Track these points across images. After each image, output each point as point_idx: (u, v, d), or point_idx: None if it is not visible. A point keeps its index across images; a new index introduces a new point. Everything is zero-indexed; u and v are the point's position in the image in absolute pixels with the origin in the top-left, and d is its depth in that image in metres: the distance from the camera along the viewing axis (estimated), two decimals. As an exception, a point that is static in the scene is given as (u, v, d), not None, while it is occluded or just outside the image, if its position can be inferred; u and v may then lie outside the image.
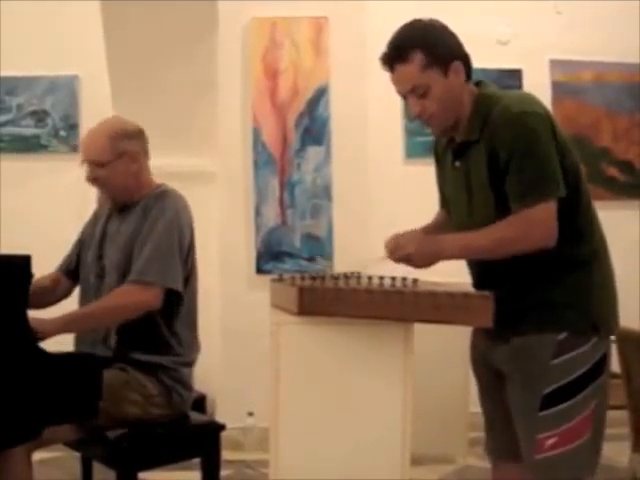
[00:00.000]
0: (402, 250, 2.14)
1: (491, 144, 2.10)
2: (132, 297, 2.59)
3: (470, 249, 2.14)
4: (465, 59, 2.19)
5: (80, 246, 2.89)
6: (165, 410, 2.69)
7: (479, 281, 2.27)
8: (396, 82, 2.21)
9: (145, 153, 2.80)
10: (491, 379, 2.30)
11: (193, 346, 2.82)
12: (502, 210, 2.10)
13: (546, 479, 2.14)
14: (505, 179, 2.08)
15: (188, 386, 2.77)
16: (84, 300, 2.79)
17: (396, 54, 2.16)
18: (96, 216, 2.93)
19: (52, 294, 2.86)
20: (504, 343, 2.20)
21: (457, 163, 2.23)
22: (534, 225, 2.06)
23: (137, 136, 2.76)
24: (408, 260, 2.14)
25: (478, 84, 2.23)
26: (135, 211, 2.73)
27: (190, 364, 2.81)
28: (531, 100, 2.15)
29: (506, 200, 2.09)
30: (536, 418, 2.12)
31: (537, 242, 2.07)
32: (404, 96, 2.21)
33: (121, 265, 2.67)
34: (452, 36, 2.20)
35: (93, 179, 2.72)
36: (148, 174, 2.82)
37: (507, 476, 2.32)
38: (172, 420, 2.76)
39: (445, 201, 2.42)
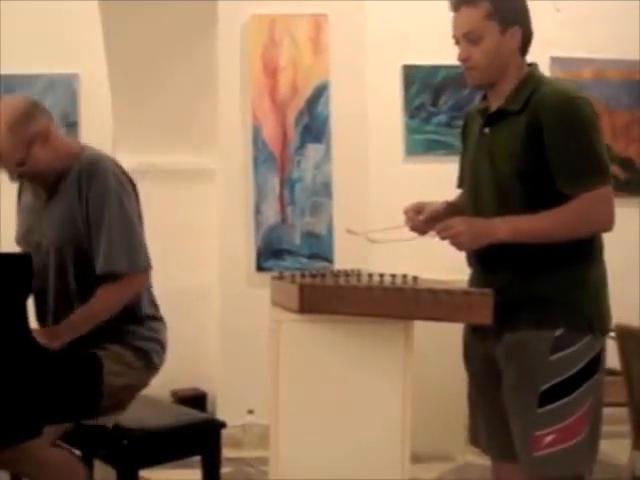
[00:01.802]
0: (452, 229, 2.14)
1: (536, 120, 2.12)
2: (118, 295, 2.54)
3: (526, 232, 2.12)
4: (527, 31, 2.23)
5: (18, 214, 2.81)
6: (146, 372, 2.68)
7: (475, 270, 2.28)
8: (455, 24, 2.25)
9: (50, 121, 2.59)
10: (486, 376, 2.29)
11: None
12: (522, 178, 2.13)
13: (544, 477, 2.14)
14: (539, 156, 2.10)
15: (163, 343, 2.73)
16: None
17: None
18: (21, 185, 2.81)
19: None
20: (495, 338, 2.20)
21: (486, 130, 2.26)
22: (596, 208, 2.10)
23: (34, 111, 2.54)
24: (456, 240, 2.13)
25: (530, 65, 2.27)
26: (66, 184, 2.58)
27: (161, 318, 2.78)
28: (577, 90, 2.22)
29: (527, 171, 2.12)
30: (533, 415, 2.12)
31: (598, 225, 2.12)
32: (457, 40, 2.25)
33: (64, 247, 2.56)
34: (524, 7, 2.25)
35: (19, 177, 2.61)
36: (63, 140, 2.67)
37: (508, 476, 2.31)
38: (172, 417, 2.77)
39: (462, 179, 2.43)
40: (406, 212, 2.40)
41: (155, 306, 2.78)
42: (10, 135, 2.48)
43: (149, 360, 2.67)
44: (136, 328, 2.65)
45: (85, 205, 2.54)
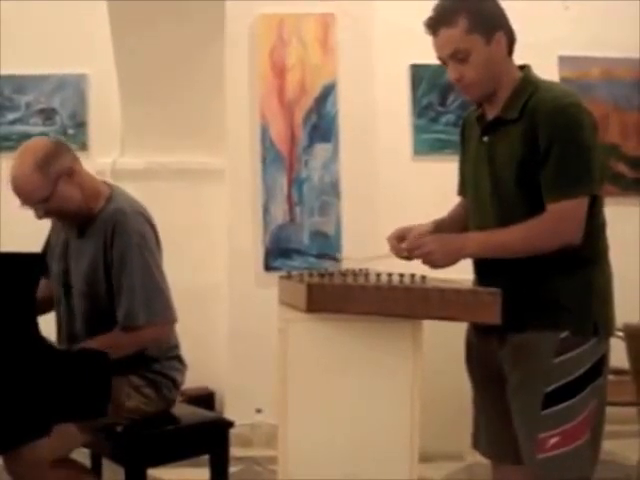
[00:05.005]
0: (422, 248, 2.13)
1: (533, 127, 2.09)
2: (133, 345, 2.60)
3: (494, 246, 2.11)
4: (509, 32, 2.20)
5: (47, 248, 2.85)
6: (159, 402, 2.72)
7: (481, 272, 2.27)
8: (438, 46, 2.19)
9: (75, 160, 2.64)
10: (490, 378, 2.27)
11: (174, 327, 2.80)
12: (523, 187, 2.11)
13: (548, 479, 2.13)
14: (537, 163, 2.08)
15: (175, 381, 2.78)
16: (57, 307, 2.78)
17: (442, 18, 2.15)
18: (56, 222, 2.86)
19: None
20: (500, 340, 2.19)
21: (485, 138, 2.23)
22: (563, 221, 2.06)
23: (60, 151, 2.60)
24: (428, 258, 2.12)
25: (522, 68, 2.24)
26: (93, 229, 2.65)
27: (180, 358, 2.83)
28: (576, 94, 2.16)
29: (528, 180, 2.10)
30: (537, 417, 2.11)
31: (563, 239, 2.07)
32: (444, 61, 2.20)
33: (86, 293, 2.65)
34: (499, 8, 2.20)
35: (45, 214, 2.63)
36: (90, 180, 2.70)
37: (509, 479, 2.31)
38: (181, 416, 2.78)
39: (463, 185, 2.40)
40: (388, 240, 2.34)
41: (176, 346, 2.83)
42: (35, 174, 2.52)
43: (160, 392, 2.72)
44: (151, 363, 2.71)
45: (109, 259, 2.60)
